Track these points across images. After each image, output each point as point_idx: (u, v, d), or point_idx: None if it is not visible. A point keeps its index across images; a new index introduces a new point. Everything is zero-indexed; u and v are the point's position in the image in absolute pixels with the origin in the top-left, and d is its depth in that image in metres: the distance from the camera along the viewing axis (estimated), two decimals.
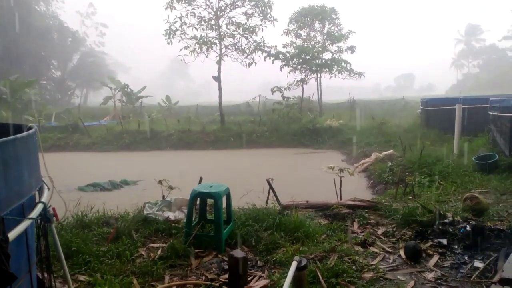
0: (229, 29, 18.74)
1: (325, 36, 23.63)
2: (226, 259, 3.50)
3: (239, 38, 18.99)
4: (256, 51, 19.55)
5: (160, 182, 5.16)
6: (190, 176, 6.82)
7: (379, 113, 21.67)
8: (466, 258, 3.51)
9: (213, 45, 18.47)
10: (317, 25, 23.72)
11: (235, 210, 4.73)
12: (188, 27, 18.31)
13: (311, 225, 4.35)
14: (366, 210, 5.09)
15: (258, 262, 3.60)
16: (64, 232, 4.06)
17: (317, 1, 23.59)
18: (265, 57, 20.34)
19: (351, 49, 22.52)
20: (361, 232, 4.39)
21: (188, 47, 18.41)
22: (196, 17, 18.30)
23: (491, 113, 8.21)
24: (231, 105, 27.37)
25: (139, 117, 21.10)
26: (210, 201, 4.48)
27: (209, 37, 18.64)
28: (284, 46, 22.83)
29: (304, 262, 2.67)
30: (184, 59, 18.60)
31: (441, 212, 4.42)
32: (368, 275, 3.26)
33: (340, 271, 3.25)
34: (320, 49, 22.79)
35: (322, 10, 22.75)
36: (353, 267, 3.39)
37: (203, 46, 18.18)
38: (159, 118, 21.19)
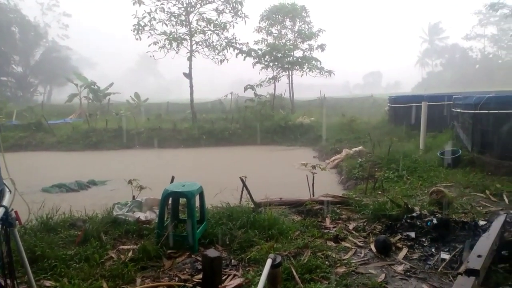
0: (200, 25, 18.56)
1: (296, 34, 23.86)
2: (200, 259, 3.45)
3: (210, 34, 18.86)
4: (228, 48, 19.47)
5: (130, 182, 5.02)
6: (161, 175, 6.68)
7: (349, 110, 22.17)
8: (433, 250, 3.65)
9: (183, 41, 18.21)
10: (288, 23, 23.91)
11: (209, 209, 4.67)
12: (157, 22, 17.97)
13: (285, 222, 4.37)
14: (338, 206, 5.18)
15: (233, 260, 3.57)
16: (28, 236, 3.86)
17: None
18: (236, 54, 20.29)
19: (322, 47, 22.87)
20: (333, 227, 4.45)
21: (158, 43, 18.08)
22: (165, 12, 17.96)
23: (455, 110, 8.57)
24: (203, 102, 27.12)
25: (107, 115, 20.47)
26: (183, 200, 4.41)
27: (179, 33, 18.38)
28: (256, 43, 22.89)
29: (278, 259, 2.68)
30: (153, 55, 18.25)
31: (409, 206, 4.56)
32: (340, 269, 3.31)
33: (314, 267, 3.28)
34: (291, 47, 23.00)
35: (293, 8, 22.94)
36: (326, 262, 3.43)
37: (173, 42, 17.88)
38: (128, 115, 20.64)
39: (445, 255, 3.48)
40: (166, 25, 18.15)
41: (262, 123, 17.64)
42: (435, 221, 4.05)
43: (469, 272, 2.61)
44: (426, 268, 3.34)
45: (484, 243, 3.08)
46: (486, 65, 64.95)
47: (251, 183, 5.13)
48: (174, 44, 18.04)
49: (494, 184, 5.82)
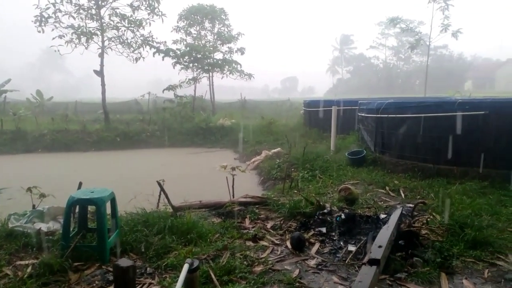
0: (113, 21, 17.44)
1: (215, 36, 23.87)
2: (111, 269, 3.22)
3: (124, 31, 17.86)
4: (144, 46, 18.65)
5: (29, 189, 4.48)
6: (67, 182, 6.11)
7: (268, 113, 22.88)
8: (341, 243, 3.93)
9: (93, 36, 16.94)
10: (207, 24, 23.80)
11: (122, 216, 4.40)
12: (63, 15, 16.42)
13: (204, 225, 4.32)
14: (257, 206, 5.29)
15: (148, 268, 3.41)
16: None
17: (207, 0, 23.64)
18: (154, 53, 19.51)
19: (241, 50, 23.23)
20: (252, 227, 4.53)
21: (64, 36, 16.56)
22: (73, 4, 16.52)
23: (360, 114, 9.37)
24: (118, 102, 25.60)
25: (3, 115, 18.08)
26: (93, 208, 4.07)
27: (89, 27, 17.05)
28: (174, 42, 22.32)
29: (196, 263, 2.62)
30: (58, 50, 16.63)
31: (321, 203, 4.86)
32: (258, 268, 3.38)
33: (232, 268, 3.30)
34: (211, 48, 22.95)
35: (211, 10, 22.90)
36: (245, 262, 3.47)
37: (81, 36, 16.55)
38: (29, 115, 18.49)
39: (351, 247, 3.77)
40: (74, 18, 16.71)
41: (182, 125, 17.27)
42: (343, 216, 4.37)
43: (371, 262, 2.86)
44: (335, 260, 3.58)
45: (384, 235, 3.41)
46: (387, 73, 72.71)
47: (170, 187, 4.97)
48: (83, 39, 16.71)
49: (392, 181, 6.50)
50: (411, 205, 4.83)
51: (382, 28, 72.20)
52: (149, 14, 17.84)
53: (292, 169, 8.36)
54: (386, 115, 7.56)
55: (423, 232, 3.96)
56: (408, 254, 3.50)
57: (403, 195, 5.74)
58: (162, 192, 4.81)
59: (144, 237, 3.90)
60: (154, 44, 19.00)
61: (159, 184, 4.75)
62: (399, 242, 3.64)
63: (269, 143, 13.40)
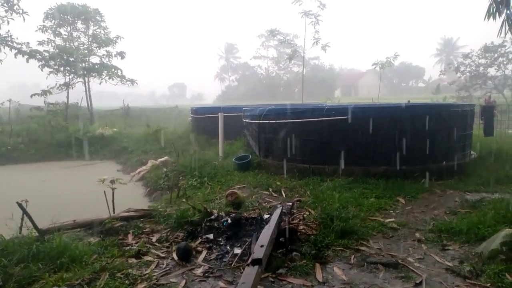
0: None
1: (90, 39, 21.95)
2: None
3: None
4: (2, 47, 16.10)
5: None
6: None
7: (155, 121, 22.07)
8: (228, 247, 3.99)
9: None
10: (80, 25, 21.71)
11: None
12: None
13: (79, 247, 3.89)
14: (141, 220, 5.02)
15: None
16: None
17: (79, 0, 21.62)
18: (15, 54, 16.96)
19: (121, 54, 21.81)
20: (136, 243, 4.27)
21: None
22: None
23: (244, 120, 9.75)
24: None
25: None
26: None
27: None
28: (41, 43, 19.76)
29: None
30: None
31: (209, 210, 4.86)
32: (141, 286, 3.19)
33: None
34: (86, 51, 21.05)
35: (84, 10, 20.98)
36: (126, 281, 3.25)
37: None
38: None
39: (237, 250, 3.85)
40: None
41: (53, 136, 15.39)
42: (229, 220, 4.46)
43: (254, 262, 2.97)
44: (222, 265, 3.61)
45: (266, 234, 3.58)
46: (270, 82, 77.51)
47: (38, 208, 4.39)
48: None
49: (275, 182, 6.92)
50: (290, 203, 5.20)
51: (263, 41, 76.89)
52: (6, 11, 15.51)
53: (181, 178, 8.20)
54: (267, 121, 8.02)
55: (301, 227, 4.30)
56: (288, 250, 3.75)
57: (284, 195, 6.15)
58: (24, 214, 4.18)
59: (1, 268, 3.32)
60: (14, 44, 16.56)
61: (20, 205, 4.11)
62: (280, 239, 3.87)
63: (156, 152, 12.93)
